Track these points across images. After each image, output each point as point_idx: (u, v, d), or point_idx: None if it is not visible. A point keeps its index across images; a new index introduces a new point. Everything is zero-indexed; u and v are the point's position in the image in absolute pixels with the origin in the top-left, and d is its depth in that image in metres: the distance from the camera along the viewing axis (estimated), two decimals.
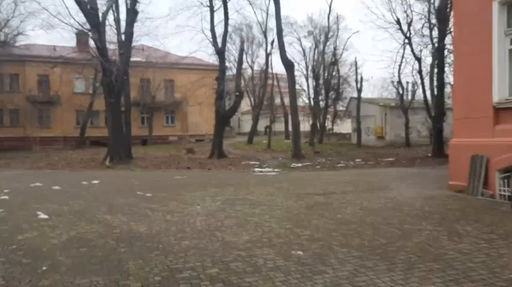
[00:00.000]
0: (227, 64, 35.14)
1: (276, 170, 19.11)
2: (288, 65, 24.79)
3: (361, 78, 39.93)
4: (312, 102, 43.55)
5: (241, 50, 28.35)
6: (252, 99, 48.93)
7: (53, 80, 40.92)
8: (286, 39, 32.83)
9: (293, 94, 25.54)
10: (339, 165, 21.24)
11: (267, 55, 41.26)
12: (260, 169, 19.35)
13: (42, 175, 17.48)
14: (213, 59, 37.73)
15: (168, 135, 44.94)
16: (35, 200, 9.98)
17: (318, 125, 43.56)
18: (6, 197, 10.65)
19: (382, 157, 25.79)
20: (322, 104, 44.13)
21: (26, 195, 10.89)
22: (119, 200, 9.93)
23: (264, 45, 42.97)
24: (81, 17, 22.92)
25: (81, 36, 38.72)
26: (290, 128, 50.59)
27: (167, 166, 20.85)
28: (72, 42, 39.69)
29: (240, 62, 28.01)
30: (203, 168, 19.99)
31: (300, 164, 21.69)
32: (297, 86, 36.87)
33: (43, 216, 7.89)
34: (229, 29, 29.45)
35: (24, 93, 40.98)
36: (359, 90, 39.35)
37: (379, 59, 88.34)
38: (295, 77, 27.76)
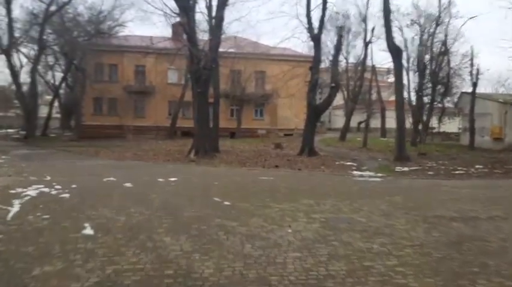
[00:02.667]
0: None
1: (378, 174, 16.09)
2: (395, 51, 21.32)
3: (477, 70, 34.51)
4: (414, 98, 38.89)
5: (340, 36, 25.36)
6: (345, 92, 45.50)
7: (149, 70, 41.45)
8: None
9: (399, 86, 22.04)
10: (456, 172, 17.50)
11: (366, 44, 37.55)
12: (360, 173, 16.47)
13: (123, 167, 16.45)
14: (306, 49, 35.14)
15: (257, 129, 43.34)
16: (94, 203, 8.38)
17: (421, 122, 38.82)
18: (67, 195, 9.27)
19: (507, 163, 21.26)
20: (426, 99, 39.25)
21: (88, 195, 9.41)
22: (189, 210, 7.92)
23: (363, 34, 39.29)
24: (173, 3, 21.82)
25: (176, 27, 38.66)
26: (387, 125, 46.54)
27: (253, 163, 18.82)
28: (169, 34, 39.82)
29: (337, 49, 25.08)
30: (292, 167, 17.62)
31: (406, 168, 18.33)
32: None
33: (88, 232, 6.11)
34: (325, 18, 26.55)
35: (122, 83, 41.99)
36: (474, 84, 34.01)
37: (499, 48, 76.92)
38: (402, 66, 24.10)
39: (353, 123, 49.62)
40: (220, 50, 23.98)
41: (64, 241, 5.60)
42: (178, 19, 22.84)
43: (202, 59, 20.51)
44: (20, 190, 9.85)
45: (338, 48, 25.36)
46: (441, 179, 15.13)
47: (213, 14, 22.44)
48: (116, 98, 41.76)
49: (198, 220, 7.00)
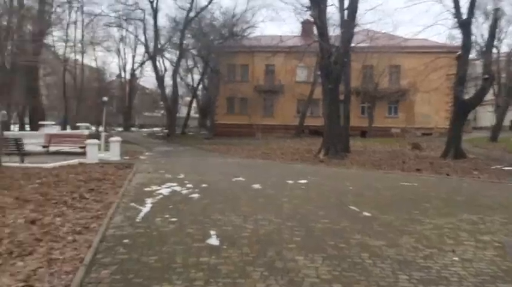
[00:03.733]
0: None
1: None
2: None
3: None
4: None
5: (495, 21, 21.78)
6: (495, 86, 39.66)
7: (278, 69, 41.65)
8: None
9: None
10: None
11: None
12: None
13: (252, 166, 16.18)
14: (448, 39, 31.35)
15: (390, 128, 40.40)
16: (222, 206, 7.90)
17: None
18: (196, 195, 9.02)
19: None
20: None
21: (217, 196, 9.03)
22: (322, 220, 6.91)
23: None
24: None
25: (306, 25, 38.12)
26: None
27: (390, 166, 17.00)
28: (298, 32, 39.41)
29: (492, 34, 21.48)
30: (438, 172, 15.38)
31: None
32: None
33: (213, 242, 5.50)
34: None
35: (252, 82, 42.94)
36: None
37: None
38: None
39: (505, 121, 43.14)
40: (351, 44, 22.48)
41: (187, 252, 5.06)
42: (308, 14, 22.02)
43: (334, 54, 19.32)
44: (154, 187, 9.96)
45: (493, 33, 21.77)
46: None
47: (345, 5, 21.06)
48: (246, 97, 42.83)
49: (334, 235, 5.95)
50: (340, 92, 21.75)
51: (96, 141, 16.39)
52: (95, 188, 9.34)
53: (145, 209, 7.52)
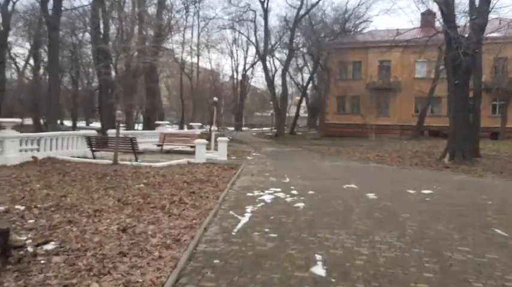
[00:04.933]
0: None
1: None
2: None
3: None
4: None
5: None
6: None
7: (394, 65, 38.75)
8: None
9: None
10: None
11: None
12: None
13: (365, 170, 14.69)
14: None
15: None
16: (330, 220, 6.80)
17: None
18: (301, 205, 8.03)
19: None
20: None
21: (324, 206, 7.94)
22: (460, 247, 5.43)
23: None
24: None
25: (426, 16, 34.83)
26: None
27: None
28: (417, 25, 36.20)
29: None
30: None
31: None
32: None
33: (318, 271, 4.46)
34: None
35: (365, 80, 40.62)
36: None
37: None
38: None
39: None
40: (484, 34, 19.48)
41: (285, 283, 4.11)
42: (430, 2, 19.62)
43: (463, 43, 16.80)
44: (256, 193, 9.24)
45: None
46: None
47: None
48: (358, 96, 40.65)
49: (479, 273, 4.50)
50: (469, 88, 18.99)
51: (203, 141, 16.39)
52: (196, 191, 8.92)
53: (244, 219, 6.77)
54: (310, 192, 9.51)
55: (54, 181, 9.82)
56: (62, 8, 24.37)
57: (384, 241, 5.71)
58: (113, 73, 24.44)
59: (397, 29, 37.01)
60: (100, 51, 22.51)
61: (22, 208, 6.82)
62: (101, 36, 24.41)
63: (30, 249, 4.62)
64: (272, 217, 6.96)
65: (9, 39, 35.61)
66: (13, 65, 39.99)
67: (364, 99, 40.17)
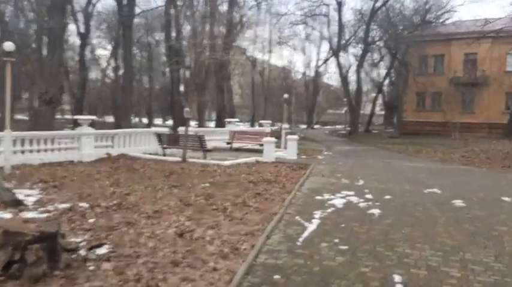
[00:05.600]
0: None
1: None
2: None
3: None
4: None
5: None
6: None
7: (481, 58, 35.45)
8: None
9: None
10: None
11: None
12: None
13: (449, 173, 13.28)
14: None
15: None
16: (411, 231, 5.95)
17: None
18: (377, 211, 7.22)
19: None
20: None
21: (403, 214, 7.06)
22: None
23: None
24: None
25: None
26: None
27: None
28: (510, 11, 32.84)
29: None
30: None
31: None
32: None
33: None
34: None
35: (448, 74, 37.68)
36: None
37: None
38: None
39: None
40: None
41: None
42: None
43: None
44: (326, 196, 8.54)
45: None
46: None
47: None
48: (440, 91, 37.81)
49: None
50: None
51: (272, 139, 15.91)
52: (262, 193, 8.43)
53: (311, 226, 6.14)
54: (387, 197, 8.62)
55: (122, 178, 9.89)
56: (140, 10, 25.27)
57: (477, 260, 4.79)
58: (185, 71, 24.84)
59: (486, 19, 33.90)
60: (171, 49, 22.95)
61: (86, 205, 6.77)
62: (173, 34, 24.92)
63: (82, 252, 4.40)
64: (343, 225, 6.26)
65: (94, 41, 38.04)
66: (97, 66, 42.57)
67: (447, 95, 37.26)
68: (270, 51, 45.14)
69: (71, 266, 3.94)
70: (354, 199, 8.28)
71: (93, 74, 42.91)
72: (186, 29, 27.31)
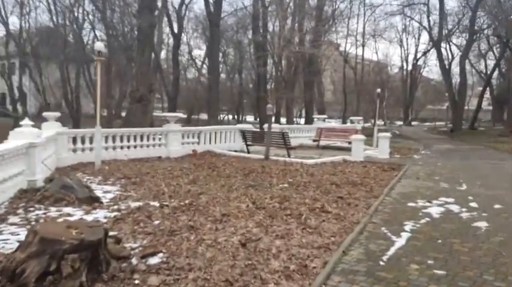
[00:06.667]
0: None
1: None
2: None
3: None
4: None
5: None
6: None
7: None
8: None
9: None
10: None
11: None
12: None
13: None
14: None
15: None
16: None
17: None
18: (483, 224, 6.02)
19: None
20: None
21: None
22: None
23: None
24: None
25: None
26: None
27: None
28: None
29: None
30: None
31: None
32: None
33: None
34: None
35: None
36: None
37: None
38: None
39: None
40: None
41: None
42: None
43: None
44: (420, 203, 7.43)
45: None
46: None
47: None
48: None
49: None
50: None
51: (361, 136, 14.78)
52: (345, 197, 7.58)
53: (400, 241, 5.20)
54: (496, 206, 7.25)
55: (202, 176, 9.67)
56: (229, 8, 25.42)
57: None
58: (272, 67, 24.47)
59: None
60: (258, 44, 22.67)
61: (157, 205, 6.55)
62: (260, 30, 24.63)
63: (134, 261, 4.04)
64: (440, 241, 5.22)
65: (192, 42, 39.63)
66: (193, 66, 44.24)
67: None
68: (363, 45, 43.06)
69: (115, 278, 3.57)
70: (455, 208, 7.07)
71: (189, 74, 44.77)
72: (275, 24, 26.93)
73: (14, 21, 64.37)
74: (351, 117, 27.03)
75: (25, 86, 35.56)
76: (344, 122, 36.79)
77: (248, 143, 15.23)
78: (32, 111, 34.18)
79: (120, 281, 3.58)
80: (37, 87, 33.46)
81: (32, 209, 6.12)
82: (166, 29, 32.73)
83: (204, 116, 36.77)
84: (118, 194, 7.56)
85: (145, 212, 6.05)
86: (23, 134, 7.74)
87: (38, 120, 12.37)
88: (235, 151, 15.08)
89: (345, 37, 38.47)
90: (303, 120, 37.45)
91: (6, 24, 31.80)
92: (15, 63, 36.65)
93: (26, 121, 8.26)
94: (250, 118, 52.72)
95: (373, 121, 38.74)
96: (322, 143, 18.30)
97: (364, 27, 41.68)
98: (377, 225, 5.93)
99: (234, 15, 33.63)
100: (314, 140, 18.57)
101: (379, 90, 21.69)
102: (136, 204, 6.61)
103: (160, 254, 4.26)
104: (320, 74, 34.33)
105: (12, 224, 5.39)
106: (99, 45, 11.29)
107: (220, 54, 33.69)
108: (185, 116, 32.10)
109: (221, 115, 39.36)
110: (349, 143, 15.93)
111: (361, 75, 42.93)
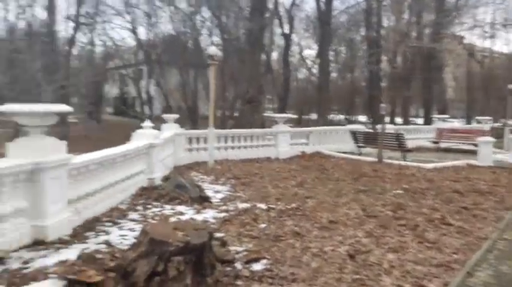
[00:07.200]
0: None
1: None
2: None
3: None
4: None
5: None
6: None
7: None
8: None
9: None
10: None
11: None
12: None
13: None
14: None
15: None
16: None
17: None
18: None
19: None
20: None
21: None
22: None
23: None
24: None
25: None
26: None
27: None
28: None
29: None
30: None
31: None
32: None
33: None
34: None
35: None
36: None
37: None
38: None
39: None
40: None
41: None
42: None
43: None
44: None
45: None
46: None
47: None
48: None
49: None
50: None
51: (489, 138, 13.17)
52: (469, 207, 6.75)
53: None
54: None
55: (309, 178, 9.48)
56: (343, 6, 24.79)
57: None
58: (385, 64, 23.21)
59: None
60: (371, 41, 21.67)
61: (264, 207, 6.52)
62: (374, 25, 23.53)
63: (238, 266, 4.00)
64: None
65: (302, 42, 39.64)
66: (304, 66, 44.21)
67: None
68: (492, 37, 38.65)
69: (219, 283, 3.56)
70: None
71: (300, 74, 44.85)
72: (390, 19, 25.52)
73: (142, 32, 71.17)
74: (477, 117, 24.44)
75: (152, 90, 39.22)
76: (469, 122, 33.53)
77: (359, 144, 14.61)
78: (157, 113, 37.49)
79: (223, 286, 3.56)
80: (161, 91, 36.54)
81: (149, 206, 6.53)
82: (278, 30, 33.17)
83: (314, 116, 36.49)
84: (227, 194, 7.72)
85: (252, 214, 6.06)
86: (144, 135, 8.36)
87: (160, 121, 13.37)
88: (345, 153, 14.57)
89: (470, 29, 34.95)
90: (420, 121, 35.01)
91: (136, 34, 35.34)
92: (143, 69, 40.81)
93: (147, 123, 8.91)
94: (362, 118, 50.94)
95: (503, 121, 34.61)
96: (443, 145, 16.80)
97: (493, 17, 37.43)
98: (510, 243, 5.12)
99: (346, 12, 32.72)
100: (433, 142, 17.14)
101: (511, 86, 19.19)
102: (244, 205, 6.67)
103: (264, 261, 4.17)
104: (441, 70, 31.71)
105: (131, 220, 5.78)
106: (213, 50, 11.76)
107: (332, 53, 33.06)
108: (296, 116, 32.13)
109: (331, 115, 38.65)
110: (475, 145, 14.36)
111: (489, 70, 38.66)
